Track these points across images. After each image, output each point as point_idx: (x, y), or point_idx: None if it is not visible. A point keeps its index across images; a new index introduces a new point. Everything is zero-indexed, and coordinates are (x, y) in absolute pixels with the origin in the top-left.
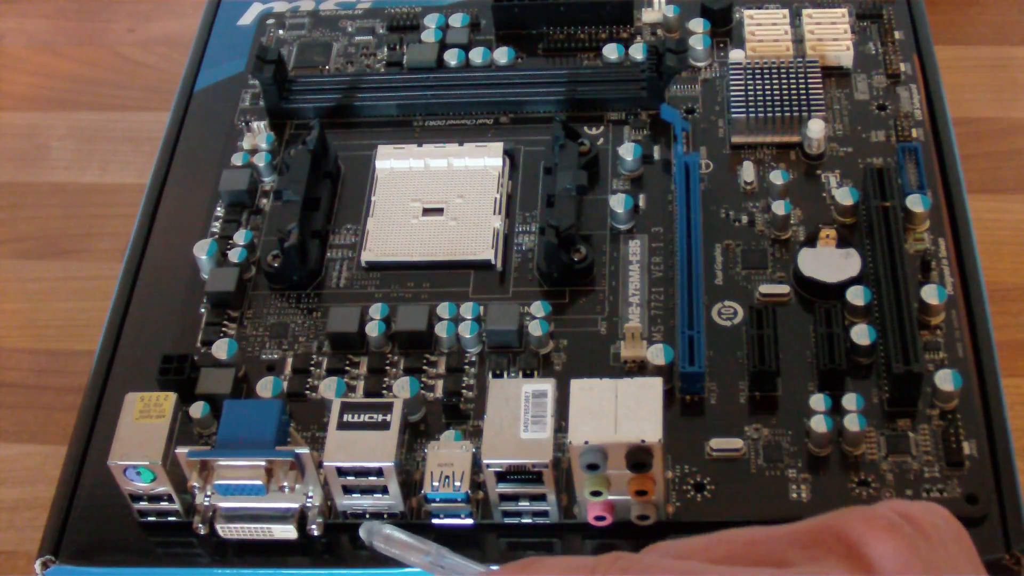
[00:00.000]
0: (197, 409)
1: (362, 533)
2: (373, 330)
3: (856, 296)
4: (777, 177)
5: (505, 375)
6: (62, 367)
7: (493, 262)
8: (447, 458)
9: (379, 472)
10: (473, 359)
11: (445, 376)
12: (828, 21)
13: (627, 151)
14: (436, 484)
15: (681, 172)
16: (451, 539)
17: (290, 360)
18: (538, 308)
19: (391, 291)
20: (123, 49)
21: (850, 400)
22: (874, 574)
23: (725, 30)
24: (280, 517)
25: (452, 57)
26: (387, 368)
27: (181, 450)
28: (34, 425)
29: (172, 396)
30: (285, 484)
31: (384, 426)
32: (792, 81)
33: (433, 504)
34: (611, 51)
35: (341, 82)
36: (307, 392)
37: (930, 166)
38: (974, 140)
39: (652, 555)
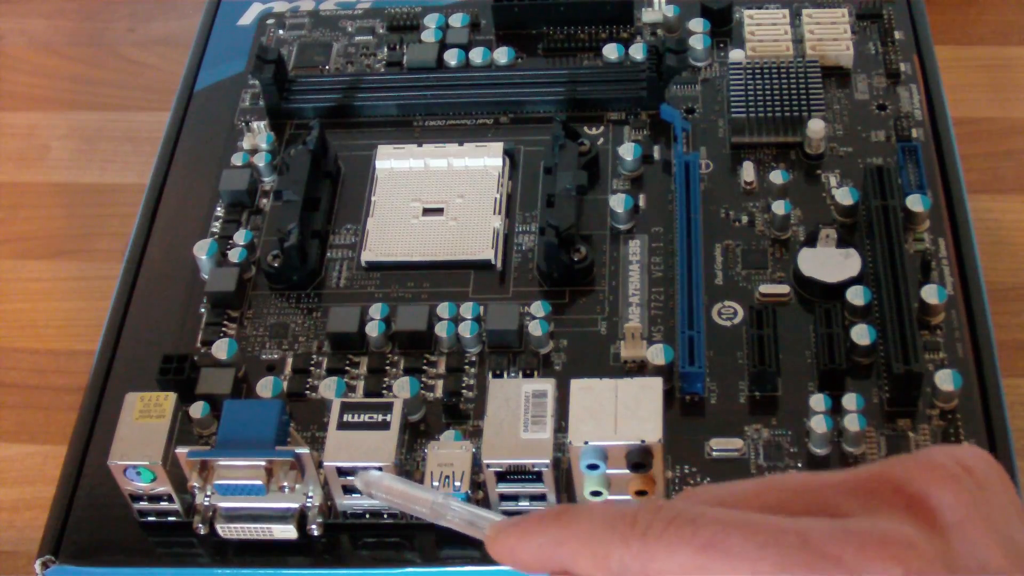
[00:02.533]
0: (197, 409)
1: (359, 484)
2: (373, 330)
3: (856, 296)
4: (777, 177)
5: (505, 375)
6: (62, 367)
7: (493, 262)
8: (447, 458)
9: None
10: (473, 359)
11: (445, 376)
12: (828, 21)
13: (627, 151)
14: (436, 484)
15: (681, 172)
16: (451, 539)
17: (290, 360)
18: (538, 308)
19: (391, 291)
20: (123, 49)
21: (850, 400)
22: (937, 525)
23: (725, 30)
24: (280, 517)
25: (452, 57)
26: (387, 368)
27: (181, 450)
28: (34, 425)
29: (172, 396)
30: (285, 484)
31: (384, 426)
32: (792, 81)
33: None
34: (611, 51)
35: (341, 82)
36: (307, 392)
37: (930, 166)
38: (974, 140)
39: (695, 503)
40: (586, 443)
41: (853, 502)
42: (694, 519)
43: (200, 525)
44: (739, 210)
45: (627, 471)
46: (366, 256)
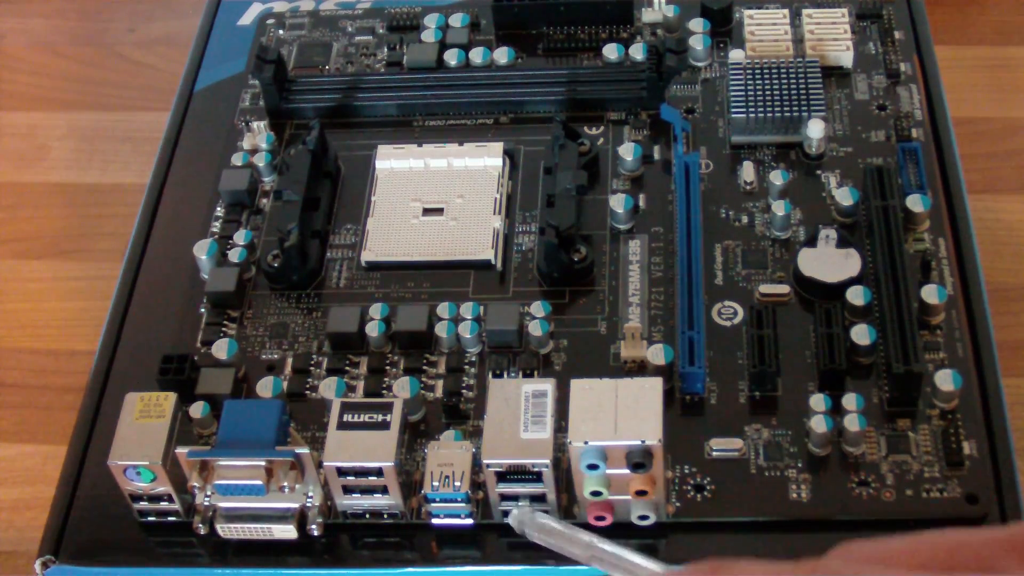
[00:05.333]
0: (197, 409)
1: (512, 522)
2: (373, 330)
3: (856, 296)
4: (777, 177)
5: (505, 375)
6: (62, 367)
7: (493, 262)
8: (447, 458)
9: (379, 472)
10: (473, 359)
11: (445, 376)
12: (828, 21)
13: (627, 151)
14: (436, 484)
15: (681, 172)
16: (451, 539)
17: (290, 360)
18: (538, 308)
19: (391, 291)
20: (123, 49)
21: (850, 400)
22: None
23: (725, 30)
24: (280, 517)
25: (452, 57)
26: (387, 368)
27: (181, 450)
28: (34, 425)
29: (172, 396)
30: (285, 484)
31: (384, 426)
32: (792, 81)
33: (433, 504)
34: (611, 51)
35: (341, 82)
36: (307, 392)
37: (930, 166)
38: (974, 140)
39: (849, 561)
40: (586, 443)
41: (1010, 559)
42: None
43: (200, 525)
44: (739, 210)
45: (627, 471)
46: (366, 256)
